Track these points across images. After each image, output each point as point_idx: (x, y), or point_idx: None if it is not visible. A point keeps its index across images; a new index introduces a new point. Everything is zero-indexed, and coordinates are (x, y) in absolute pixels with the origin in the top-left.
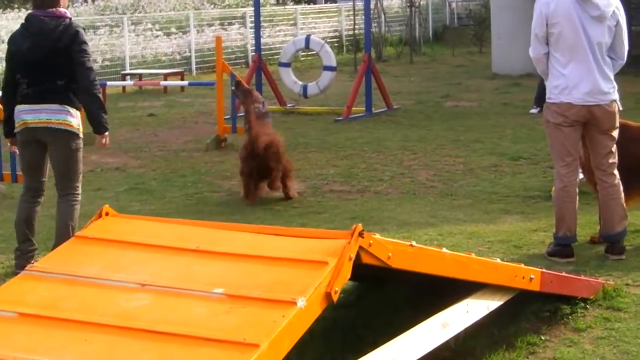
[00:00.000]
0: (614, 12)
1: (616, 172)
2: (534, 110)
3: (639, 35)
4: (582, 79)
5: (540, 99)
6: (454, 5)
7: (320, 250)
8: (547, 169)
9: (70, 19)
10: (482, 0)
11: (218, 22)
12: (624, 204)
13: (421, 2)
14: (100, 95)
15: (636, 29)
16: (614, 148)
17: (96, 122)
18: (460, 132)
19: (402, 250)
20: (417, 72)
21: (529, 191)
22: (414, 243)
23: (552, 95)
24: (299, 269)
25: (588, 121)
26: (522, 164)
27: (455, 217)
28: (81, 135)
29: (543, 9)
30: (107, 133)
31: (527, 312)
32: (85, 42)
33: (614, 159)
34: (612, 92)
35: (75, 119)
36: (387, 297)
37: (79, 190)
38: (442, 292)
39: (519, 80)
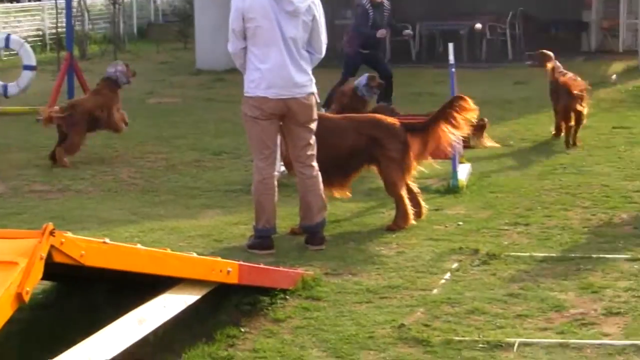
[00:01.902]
0: (309, 6)
1: (315, 164)
2: None
3: (343, 29)
4: (277, 73)
5: None
6: (158, 1)
7: (10, 250)
8: (249, 162)
9: None
10: None
11: None
12: (323, 195)
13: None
14: None
15: (340, 23)
16: (312, 140)
17: None
18: (163, 129)
19: (96, 248)
20: None
21: (230, 185)
22: (107, 240)
23: (249, 89)
24: None
25: (285, 114)
26: (224, 159)
27: (157, 214)
28: None
29: (239, 4)
30: None
31: (226, 304)
32: None
33: (312, 151)
34: (308, 85)
35: None
36: (88, 295)
37: None
38: (143, 288)
39: (223, 76)
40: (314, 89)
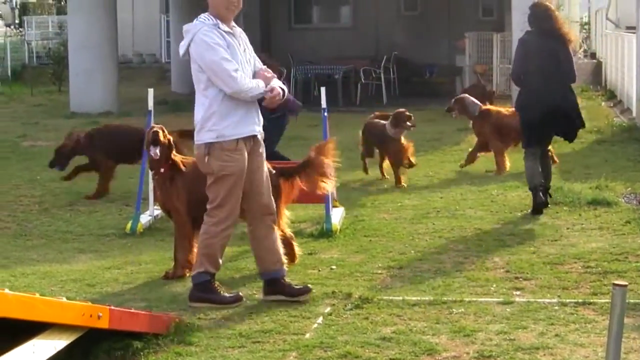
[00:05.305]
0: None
1: (207, 218)
2: None
3: None
4: None
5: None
6: (33, 44)
7: None
8: (122, 207)
9: None
10: (61, 39)
11: None
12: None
13: None
14: None
15: None
16: (211, 194)
17: None
18: (37, 172)
19: None
20: None
21: (104, 229)
22: None
23: None
24: None
25: None
26: (98, 203)
27: (29, 258)
28: None
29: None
30: None
31: (98, 350)
32: None
33: (209, 204)
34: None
35: None
36: None
37: None
38: (13, 333)
39: (97, 119)
40: (199, 137)
